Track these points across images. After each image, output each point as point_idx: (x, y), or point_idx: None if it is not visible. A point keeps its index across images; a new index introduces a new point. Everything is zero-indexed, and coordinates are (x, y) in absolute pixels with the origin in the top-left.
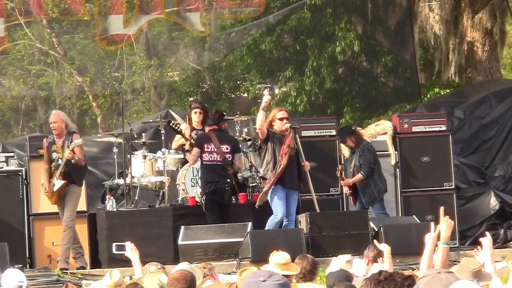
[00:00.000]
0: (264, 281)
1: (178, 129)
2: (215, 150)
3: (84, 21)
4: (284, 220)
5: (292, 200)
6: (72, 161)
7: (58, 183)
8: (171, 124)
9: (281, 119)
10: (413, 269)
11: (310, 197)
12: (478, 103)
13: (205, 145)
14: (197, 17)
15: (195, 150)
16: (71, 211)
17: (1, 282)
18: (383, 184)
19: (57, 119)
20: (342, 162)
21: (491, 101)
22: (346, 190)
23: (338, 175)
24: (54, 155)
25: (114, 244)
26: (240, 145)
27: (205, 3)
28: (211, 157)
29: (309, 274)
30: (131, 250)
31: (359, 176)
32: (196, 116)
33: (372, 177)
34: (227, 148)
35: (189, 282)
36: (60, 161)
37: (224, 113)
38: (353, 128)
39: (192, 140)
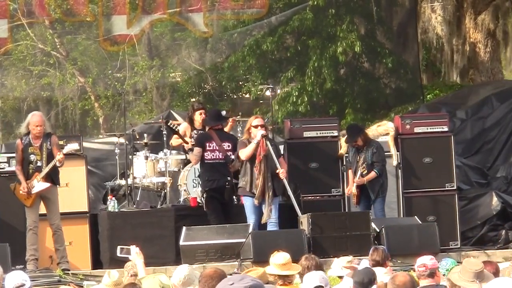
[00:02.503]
0: (231, 284)
1: (176, 129)
2: (217, 148)
3: (87, 22)
4: (268, 223)
5: (272, 207)
6: (59, 164)
7: (40, 185)
8: (169, 124)
9: (255, 126)
10: (415, 270)
11: (312, 197)
12: (480, 104)
13: (207, 144)
14: (200, 18)
15: (197, 149)
16: (58, 212)
17: (4, 284)
18: (386, 183)
19: (42, 123)
20: (344, 163)
21: (493, 102)
22: (355, 191)
23: (353, 193)
24: (32, 157)
25: (118, 247)
26: None
27: (208, 3)
28: (213, 155)
29: None
30: (136, 254)
31: (372, 174)
32: (200, 118)
33: (382, 174)
34: (228, 146)
35: (221, 279)
36: (39, 163)
37: (223, 112)
38: (361, 127)
39: (191, 140)
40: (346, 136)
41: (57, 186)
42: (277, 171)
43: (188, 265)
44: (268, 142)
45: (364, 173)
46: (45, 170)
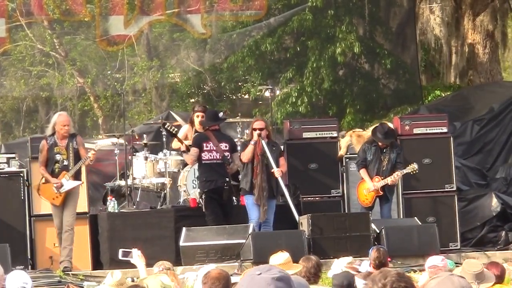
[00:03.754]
0: (259, 274)
1: (173, 131)
2: (214, 148)
3: (85, 22)
4: (262, 226)
5: (268, 207)
6: (91, 162)
7: (70, 183)
8: (166, 126)
9: (254, 129)
10: (415, 271)
11: (311, 198)
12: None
13: (204, 144)
14: (198, 19)
15: (194, 150)
16: (75, 211)
17: (6, 284)
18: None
19: (69, 122)
20: (344, 164)
21: (494, 109)
22: (380, 191)
23: (414, 172)
24: (58, 156)
25: (120, 251)
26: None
27: (206, 4)
28: (210, 155)
29: (313, 277)
30: (138, 257)
31: (400, 174)
32: (198, 120)
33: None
34: (225, 146)
35: (227, 281)
36: (65, 162)
37: (221, 113)
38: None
39: (189, 142)
40: (378, 135)
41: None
42: (272, 170)
43: (216, 265)
44: (263, 142)
45: (404, 171)
46: (75, 168)
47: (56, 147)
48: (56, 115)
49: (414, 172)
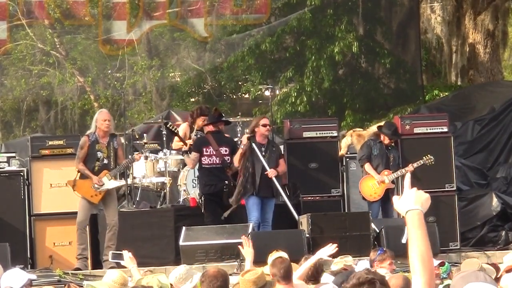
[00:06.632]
0: None
1: (175, 131)
2: (214, 153)
3: (86, 22)
4: (261, 226)
5: (267, 207)
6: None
7: (113, 183)
8: (168, 125)
9: (264, 125)
10: None
11: (311, 198)
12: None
13: (204, 149)
14: (201, 23)
15: (194, 154)
16: (117, 210)
17: (0, 282)
18: None
19: (110, 118)
20: (344, 164)
21: (495, 109)
22: (388, 182)
23: (431, 163)
24: (99, 154)
25: (111, 253)
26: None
27: (207, 3)
28: (210, 160)
29: (312, 277)
30: (129, 259)
31: (416, 165)
32: (202, 123)
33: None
34: (225, 150)
35: (225, 279)
36: (105, 161)
37: (223, 114)
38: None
39: (190, 141)
40: (387, 130)
41: None
42: (266, 172)
43: (186, 265)
44: (253, 144)
45: (421, 161)
46: (119, 168)
47: (97, 144)
48: (97, 113)
49: (431, 163)
